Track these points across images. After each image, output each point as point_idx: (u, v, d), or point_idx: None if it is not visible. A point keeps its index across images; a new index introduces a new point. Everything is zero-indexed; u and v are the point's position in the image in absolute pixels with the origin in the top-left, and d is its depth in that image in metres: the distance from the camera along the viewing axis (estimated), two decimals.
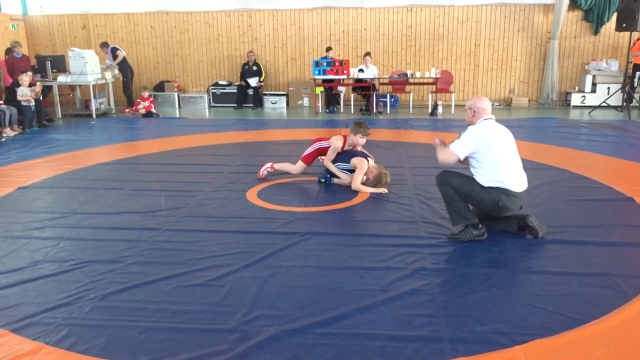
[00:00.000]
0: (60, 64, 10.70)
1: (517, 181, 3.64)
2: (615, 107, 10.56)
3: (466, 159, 3.75)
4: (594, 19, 11.18)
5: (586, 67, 11.41)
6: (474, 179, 3.69)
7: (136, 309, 2.78)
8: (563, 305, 2.76)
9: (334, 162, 5.24)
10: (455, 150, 3.70)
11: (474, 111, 3.78)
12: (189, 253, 3.51)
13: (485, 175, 3.63)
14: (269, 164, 5.53)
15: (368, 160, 5.10)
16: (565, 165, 5.76)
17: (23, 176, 5.67)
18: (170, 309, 2.77)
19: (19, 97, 8.74)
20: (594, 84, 11.07)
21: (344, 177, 5.12)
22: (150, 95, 10.93)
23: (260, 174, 5.45)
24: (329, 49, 11.09)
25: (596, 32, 11.29)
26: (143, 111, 10.50)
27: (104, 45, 11.36)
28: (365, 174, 5.00)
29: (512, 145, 3.71)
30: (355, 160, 5.06)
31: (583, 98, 11.14)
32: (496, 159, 3.61)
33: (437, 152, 3.84)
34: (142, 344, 2.46)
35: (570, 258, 3.36)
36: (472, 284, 3.02)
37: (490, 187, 3.60)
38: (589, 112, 10.37)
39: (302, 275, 3.17)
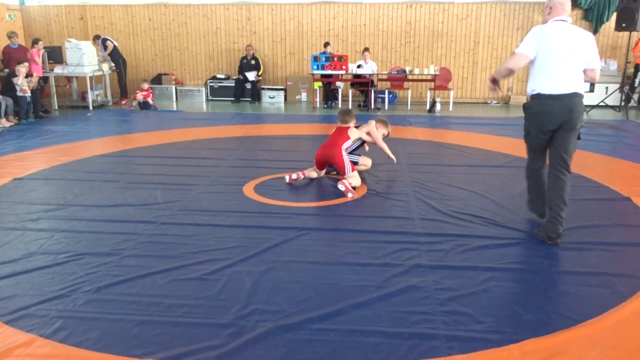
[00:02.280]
0: (57, 55, 10.65)
1: (552, 84, 3.56)
2: (613, 107, 10.57)
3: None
4: (594, 19, 11.18)
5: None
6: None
7: (131, 302, 2.76)
8: (559, 304, 2.76)
9: (350, 153, 5.27)
10: (521, 50, 3.66)
11: (550, 8, 3.70)
12: (185, 247, 3.50)
13: (532, 78, 3.68)
14: (300, 173, 5.08)
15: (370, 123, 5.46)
16: None
17: (18, 167, 5.64)
18: (165, 303, 2.76)
19: (21, 88, 8.71)
20: (592, 84, 11.06)
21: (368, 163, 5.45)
22: (149, 88, 10.89)
23: (292, 178, 5.03)
24: (326, 44, 11.06)
25: (595, 31, 11.27)
26: (141, 98, 10.45)
27: (96, 37, 11.32)
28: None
29: (574, 52, 3.55)
30: (366, 127, 5.41)
31: None
32: (544, 62, 3.58)
33: (504, 65, 3.79)
34: (136, 337, 2.45)
35: (567, 257, 3.36)
36: (468, 281, 3.01)
37: (530, 96, 3.71)
38: (587, 112, 10.36)
39: (298, 270, 3.16)
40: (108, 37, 11.23)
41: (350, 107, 10.91)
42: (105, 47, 11.08)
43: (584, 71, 3.64)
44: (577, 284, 3.00)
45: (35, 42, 10.08)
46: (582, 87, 3.61)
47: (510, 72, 3.81)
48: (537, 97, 3.65)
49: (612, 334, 2.49)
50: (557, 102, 3.56)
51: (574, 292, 2.89)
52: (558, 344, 2.40)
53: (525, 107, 3.83)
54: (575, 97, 3.57)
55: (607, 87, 10.81)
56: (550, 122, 3.62)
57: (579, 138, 3.71)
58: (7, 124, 8.38)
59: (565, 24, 3.62)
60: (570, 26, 3.63)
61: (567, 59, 3.55)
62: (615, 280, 3.03)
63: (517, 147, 6.69)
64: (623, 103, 10.24)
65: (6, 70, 9.52)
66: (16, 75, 8.70)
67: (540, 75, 3.63)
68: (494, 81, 4.03)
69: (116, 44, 11.31)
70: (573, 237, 3.68)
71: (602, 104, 10.57)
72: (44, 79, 10.46)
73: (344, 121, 5.31)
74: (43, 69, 10.14)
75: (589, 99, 10.90)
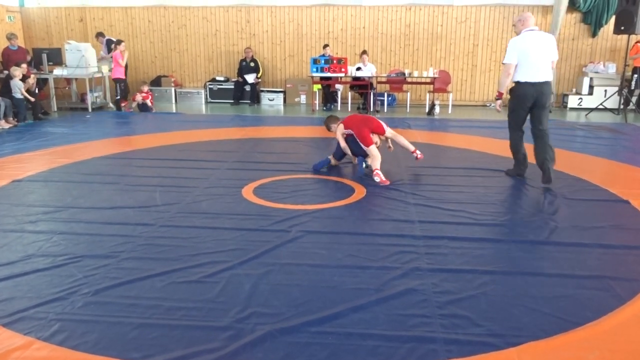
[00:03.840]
0: (56, 57, 10.66)
1: (529, 75, 5.03)
2: (612, 110, 10.58)
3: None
4: (592, 22, 11.21)
5: (584, 69, 11.43)
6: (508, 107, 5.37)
7: (129, 305, 2.76)
8: (557, 308, 2.75)
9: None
10: (507, 61, 5.13)
11: (522, 22, 5.18)
12: (184, 249, 3.49)
13: (516, 71, 5.10)
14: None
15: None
16: (561, 168, 5.76)
17: (17, 169, 5.64)
18: (163, 306, 2.76)
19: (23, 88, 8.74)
20: (591, 87, 11.09)
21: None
22: (149, 90, 10.89)
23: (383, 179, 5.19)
24: (325, 46, 11.07)
25: (594, 34, 11.31)
26: (140, 100, 10.44)
27: (100, 35, 11.28)
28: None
29: (542, 52, 5.06)
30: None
31: (580, 100, 11.17)
32: (523, 61, 5.04)
33: (502, 78, 5.25)
34: (134, 340, 2.45)
35: (565, 260, 3.36)
36: (467, 284, 3.01)
37: (514, 82, 5.17)
38: (586, 115, 10.39)
39: (297, 273, 3.16)
40: (114, 39, 11.20)
41: (349, 109, 10.94)
42: (109, 50, 11.03)
43: None
44: (576, 287, 3.00)
45: (118, 42, 10.25)
46: (550, 76, 5.12)
47: (509, 80, 5.19)
48: (519, 84, 5.12)
49: (611, 338, 2.49)
50: (532, 87, 5.06)
51: (573, 295, 2.89)
52: (557, 347, 2.40)
53: (511, 91, 5.28)
54: (545, 83, 5.08)
55: (605, 90, 10.83)
56: (528, 101, 5.13)
57: (550, 112, 5.31)
58: (7, 126, 8.38)
59: (534, 32, 5.13)
60: (539, 32, 5.15)
61: (539, 57, 5.05)
62: (614, 284, 3.03)
63: None
64: (622, 106, 10.25)
65: (5, 71, 9.51)
66: (18, 78, 8.71)
67: (521, 70, 5.09)
68: (500, 97, 5.39)
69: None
70: (571, 240, 3.68)
71: (601, 106, 10.59)
72: (44, 81, 10.47)
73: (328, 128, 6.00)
74: (126, 72, 10.63)
75: (588, 102, 10.96)
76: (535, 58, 5.01)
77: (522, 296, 2.88)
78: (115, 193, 4.80)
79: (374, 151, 5.41)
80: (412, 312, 2.69)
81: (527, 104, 5.11)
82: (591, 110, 10.64)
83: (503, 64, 5.28)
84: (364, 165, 5.78)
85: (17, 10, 12.31)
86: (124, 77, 10.43)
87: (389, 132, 5.81)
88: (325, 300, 2.81)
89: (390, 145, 5.99)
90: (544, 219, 4.12)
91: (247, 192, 4.84)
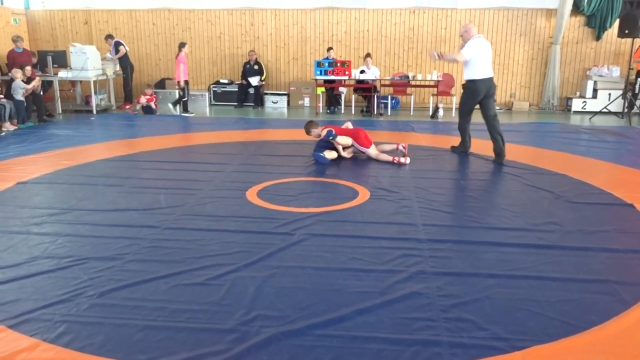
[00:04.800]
0: (61, 60, 10.70)
1: (480, 73, 6.28)
2: (616, 113, 10.56)
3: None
4: (597, 25, 11.19)
5: (588, 72, 11.41)
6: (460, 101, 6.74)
7: (134, 307, 2.77)
8: (562, 312, 2.75)
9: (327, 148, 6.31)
10: (465, 53, 6.25)
11: (470, 30, 6.41)
12: (188, 252, 3.50)
13: (470, 70, 6.31)
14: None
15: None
16: (565, 171, 5.76)
17: (22, 171, 5.66)
18: (168, 308, 2.76)
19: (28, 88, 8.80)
20: (595, 90, 11.07)
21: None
22: (153, 92, 10.92)
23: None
24: (329, 49, 11.09)
25: (598, 38, 11.29)
26: (144, 102, 10.48)
27: (109, 37, 11.32)
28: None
29: (489, 54, 6.38)
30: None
31: (584, 104, 11.15)
32: (478, 60, 6.25)
33: (449, 56, 7.04)
34: (139, 342, 2.45)
35: (570, 264, 3.36)
36: (471, 288, 3.01)
37: (468, 80, 6.40)
38: (590, 118, 10.37)
39: (301, 276, 3.17)
40: (122, 42, 11.25)
41: (352, 112, 10.95)
42: (117, 51, 11.10)
43: None
44: (581, 291, 2.99)
45: (182, 45, 10.51)
46: (492, 73, 6.40)
47: (453, 62, 6.85)
48: (475, 81, 6.33)
49: (616, 342, 2.49)
50: (485, 82, 6.32)
51: (577, 300, 2.89)
52: (562, 351, 2.40)
53: (466, 86, 6.49)
54: (491, 79, 6.38)
55: (610, 94, 10.82)
56: (481, 95, 6.36)
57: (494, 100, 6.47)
58: (12, 128, 8.41)
59: (481, 38, 6.37)
60: (484, 39, 6.40)
61: (488, 58, 6.34)
62: (619, 288, 3.02)
63: (521, 153, 6.69)
64: (626, 109, 10.24)
65: (10, 74, 9.56)
66: (21, 80, 8.75)
67: (477, 68, 6.28)
68: (440, 56, 6.54)
69: (128, 49, 11.33)
70: (576, 244, 3.68)
71: (605, 110, 10.57)
72: (49, 83, 10.52)
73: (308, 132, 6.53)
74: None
75: (592, 105, 10.95)
76: (486, 58, 6.31)
77: (527, 300, 2.88)
78: (119, 195, 4.81)
79: (372, 152, 6.28)
80: (417, 316, 2.70)
81: (479, 97, 6.38)
82: (595, 113, 10.62)
83: (460, 53, 6.34)
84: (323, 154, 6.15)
85: (22, 12, 12.37)
86: (186, 78, 10.67)
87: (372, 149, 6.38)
88: (330, 303, 2.82)
89: (347, 155, 6.42)
90: (548, 222, 4.12)
91: (252, 194, 4.85)
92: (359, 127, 6.67)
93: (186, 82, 10.68)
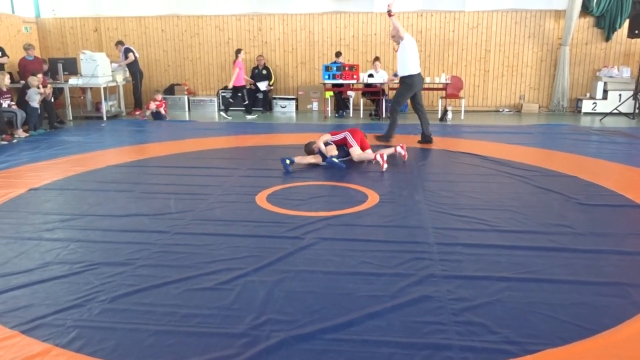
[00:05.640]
0: (71, 67, 10.81)
1: (415, 68, 7.28)
2: (626, 115, 10.48)
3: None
4: (606, 26, 11.12)
5: (597, 73, 11.34)
6: (396, 94, 7.64)
7: (145, 312, 2.78)
8: (574, 315, 2.73)
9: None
10: (406, 38, 7.25)
11: (397, 31, 7.16)
12: (198, 256, 3.52)
13: (407, 67, 7.22)
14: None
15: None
16: (575, 173, 5.72)
17: (34, 177, 5.71)
18: (179, 313, 2.78)
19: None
20: (605, 91, 11.00)
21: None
22: (163, 99, 11.00)
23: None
24: (338, 54, 11.11)
25: (608, 38, 11.22)
26: (154, 108, 10.55)
27: (119, 43, 11.41)
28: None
29: (417, 51, 7.37)
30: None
31: (594, 105, 11.08)
32: (414, 57, 7.25)
33: (398, 26, 7.18)
34: (150, 347, 2.47)
35: (582, 266, 3.33)
36: (482, 291, 2.99)
37: (406, 76, 7.28)
38: (600, 119, 10.30)
39: (311, 280, 3.17)
40: (132, 48, 11.34)
41: (361, 116, 10.95)
42: (126, 57, 11.20)
43: None
44: (593, 293, 2.97)
45: (238, 51, 10.85)
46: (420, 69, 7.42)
47: (397, 31, 7.18)
48: (412, 76, 7.26)
49: (630, 345, 2.46)
50: (418, 76, 7.35)
51: (590, 302, 2.87)
52: (574, 355, 2.38)
53: (404, 82, 7.37)
54: (421, 73, 7.43)
55: (620, 95, 10.74)
56: (416, 87, 7.37)
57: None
58: (23, 135, 8.50)
59: (410, 36, 7.37)
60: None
61: (417, 55, 7.35)
62: (632, 290, 2.99)
63: (531, 155, 6.66)
64: (637, 110, 10.16)
65: (22, 81, 9.67)
66: (30, 87, 8.84)
67: (413, 64, 7.24)
68: (390, 14, 7.08)
69: (137, 55, 11.42)
70: (587, 246, 3.65)
71: (615, 111, 10.49)
72: (59, 90, 10.63)
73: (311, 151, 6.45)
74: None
75: (602, 107, 10.88)
76: (416, 55, 7.33)
77: (539, 303, 2.86)
78: (130, 201, 4.84)
79: (363, 155, 6.33)
80: (428, 319, 2.69)
81: (415, 89, 7.36)
82: (605, 114, 10.55)
83: (402, 37, 7.19)
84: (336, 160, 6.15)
85: (33, 21, 12.51)
86: (243, 84, 11.02)
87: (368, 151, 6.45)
88: (340, 308, 2.82)
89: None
90: (559, 224, 4.09)
91: (261, 199, 4.86)
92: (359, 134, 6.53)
93: (244, 86, 11.03)
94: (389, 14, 7.06)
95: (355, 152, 6.27)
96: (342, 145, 6.40)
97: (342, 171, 5.92)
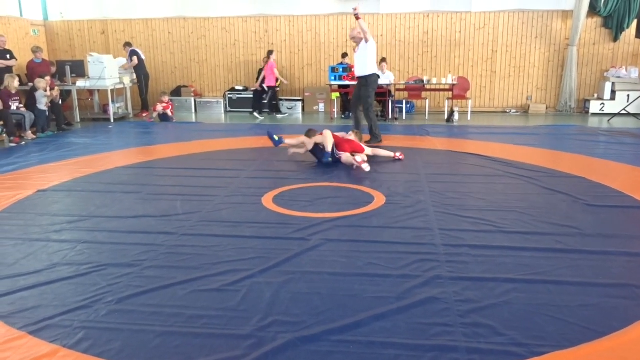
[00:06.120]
0: (79, 69, 10.87)
1: (377, 68, 7.69)
2: (635, 115, 10.42)
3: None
4: (614, 26, 11.07)
5: (605, 74, 11.28)
6: (364, 95, 7.66)
7: (152, 313, 2.79)
8: (582, 317, 2.71)
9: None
10: (369, 36, 7.47)
11: (366, 33, 7.36)
12: (205, 258, 3.52)
13: (370, 66, 7.48)
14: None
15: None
16: (583, 174, 5.69)
17: (42, 179, 5.75)
18: (185, 314, 2.78)
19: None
20: (613, 92, 10.94)
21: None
22: (170, 100, 11.05)
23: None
24: (344, 55, 11.11)
25: (616, 38, 11.16)
26: (161, 110, 10.60)
27: (127, 45, 11.46)
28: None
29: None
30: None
31: (602, 105, 11.02)
32: (374, 58, 7.61)
33: (366, 29, 7.37)
34: (157, 348, 2.47)
35: (589, 268, 3.31)
36: (489, 293, 2.98)
37: (370, 75, 7.51)
38: (608, 120, 10.24)
39: (317, 281, 3.17)
40: (138, 50, 11.39)
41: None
42: (131, 60, 11.25)
43: None
44: (601, 295, 2.95)
45: (270, 53, 11.15)
46: None
47: (364, 33, 7.35)
48: (373, 75, 7.54)
49: (638, 348, 2.44)
50: (377, 75, 7.66)
51: (598, 304, 2.85)
52: (582, 357, 2.37)
53: (370, 80, 7.54)
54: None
55: (628, 95, 10.68)
56: (376, 86, 7.75)
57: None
58: (31, 137, 8.55)
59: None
60: None
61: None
62: None
63: (538, 156, 6.63)
64: None
65: (30, 84, 9.74)
66: (43, 89, 8.90)
67: (373, 65, 7.54)
68: (358, 16, 7.19)
69: (143, 57, 11.47)
70: (595, 248, 3.63)
71: (623, 112, 10.43)
72: (67, 92, 10.69)
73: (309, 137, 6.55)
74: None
75: (610, 107, 10.81)
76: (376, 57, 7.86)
77: (546, 305, 2.85)
78: (137, 202, 4.86)
79: (344, 157, 6.26)
80: (434, 321, 2.68)
81: (376, 88, 7.84)
82: (614, 115, 10.48)
83: (368, 39, 7.39)
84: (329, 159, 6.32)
85: (41, 24, 12.60)
86: (274, 84, 11.30)
87: (368, 150, 6.61)
88: (346, 309, 2.81)
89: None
90: (566, 226, 4.07)
91: (267, 200, 4.86)
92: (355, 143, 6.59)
93: (274, 87, 11.29)
94: (356, 17, 7.16)
95: (343, 156, 6.29)
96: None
97: (348, 173, 5.90)
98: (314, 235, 3.92)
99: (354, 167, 6.07)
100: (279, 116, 11.32)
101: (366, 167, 5.95)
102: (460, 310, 2.79)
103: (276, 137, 6.53)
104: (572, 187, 5.16)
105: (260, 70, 11.84)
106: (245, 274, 3.24)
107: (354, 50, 7.79)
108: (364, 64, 7.48)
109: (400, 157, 6.52)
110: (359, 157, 6.10)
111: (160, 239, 3.87)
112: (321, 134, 6.43)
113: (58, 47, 12.79)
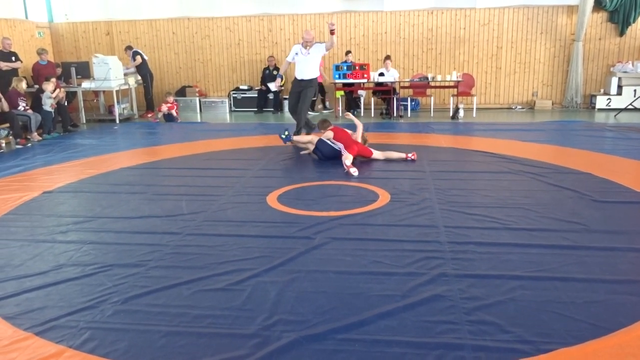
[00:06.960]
0: (84, 70, 10.91)
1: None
2: None
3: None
4: (620, 20, 10.98)
5: (611, 69, 11.20)
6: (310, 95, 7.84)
7: (157, 313, 2.79)
8: (588, 313, 2.69)
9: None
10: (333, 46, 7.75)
11: (312, 37, 7.56)
12: (210, 257, 3.53)
13: (315, 69, 7.68)
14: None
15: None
16: (590, 169, 5.66)
17: (48, 180, 5.77)
18: (190, 314, 2.79)
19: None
20: (619, 86, 10.86)
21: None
22: (174, 100, 11.07)
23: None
24: (348, 52, 11.09)
25: (622, 33, 11.08)
26: (166, 110, 10.62)
27: (128, 48, 11.50)
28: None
29: None
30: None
31: (608, 101, 10.95)
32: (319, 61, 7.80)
33: (335, 41, 7.50)
34: (162, 348, 2.48)
35: (596, 264, 3.29)
36: (494, 290, 2.97)
37: (313, 78, 7.70)
38: (615, 115, 10.17)
39: (322, 280, 3.16)
40: (140, 51, 11.42)
41: (372, 115, 10.93)
42: (134, 60, 11.28)
43: None
44: (608, 292, 2.93)
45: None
46: None
47: (333, 46, 7.62)
48: (315, 79, 7.77)
49: None
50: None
51: (604, 301, 2.83)
52: (589, 354, 2.35)
53: (313, 83, 7.74)
54: None
55: (635, 90, 10.61)
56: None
57: None
58: (37, 139, 8.59)
59: None
60: None
61: None
62: None
63: (544, 152, 6.60)
64: None
65: (36, 86, 9.78)
66: (49, 91, 8.94)
67: (317, 69, 7.67)
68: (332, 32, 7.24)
69: (146, 58, 11.49)
70: (602, 244, 3.60)
71: (630, 107, 10.35)
72: (72, 94, 10.73)
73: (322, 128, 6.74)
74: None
75: (617, 102, 10.74)
76: None
77: (552, 302, 2.83)
78: (142, 202, 4.88)
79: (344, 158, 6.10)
80: (439, 319, 2.67)
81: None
82: (620, 110, 10.41)
83: (329, 49, 7.65)
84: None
85: (46, 26, 12.64)
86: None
87: (378, 154, 6.48)
88: (351, 307, 2.81)
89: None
90: (572, 222, 4.05)
91: (272, 199, 4.86)
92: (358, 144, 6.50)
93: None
94: (332, 32, 7.20)
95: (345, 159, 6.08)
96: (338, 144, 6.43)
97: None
98: (318, 233, 3.92)
99: (345, 171, 5.85)
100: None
101: (354, 172, 5.72)
102: (466, 307, 2.77)
103: (284, 134, 6.86)
104: (578, 183, 5.13)
105: (265, 70, 11.85)
106: (250, 273, 3.24)
107: (304, 53, 7.57)
108: (314, 67, 7.66)
109: (413, 158, 6.31)
110: (348, 161, 5.91)
111: (165, 239, 3.88)
112: (332, 128, 6.59)
113: (63, 49, 12.84)
